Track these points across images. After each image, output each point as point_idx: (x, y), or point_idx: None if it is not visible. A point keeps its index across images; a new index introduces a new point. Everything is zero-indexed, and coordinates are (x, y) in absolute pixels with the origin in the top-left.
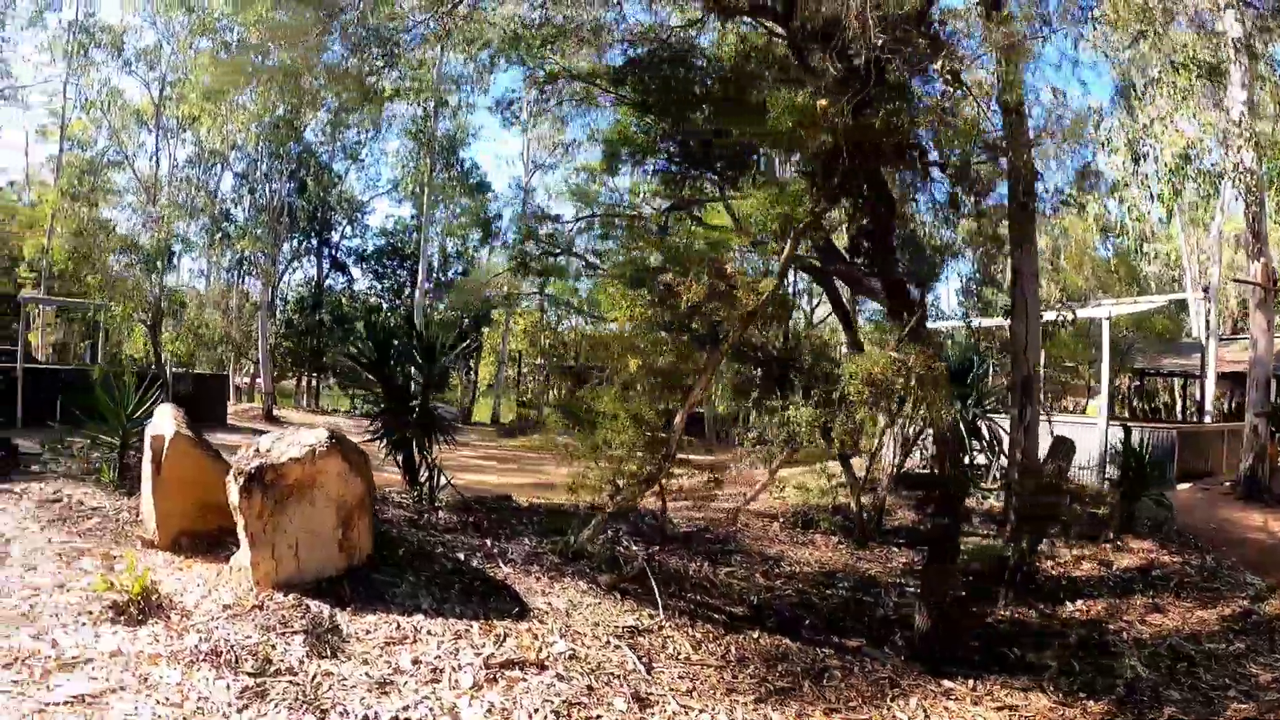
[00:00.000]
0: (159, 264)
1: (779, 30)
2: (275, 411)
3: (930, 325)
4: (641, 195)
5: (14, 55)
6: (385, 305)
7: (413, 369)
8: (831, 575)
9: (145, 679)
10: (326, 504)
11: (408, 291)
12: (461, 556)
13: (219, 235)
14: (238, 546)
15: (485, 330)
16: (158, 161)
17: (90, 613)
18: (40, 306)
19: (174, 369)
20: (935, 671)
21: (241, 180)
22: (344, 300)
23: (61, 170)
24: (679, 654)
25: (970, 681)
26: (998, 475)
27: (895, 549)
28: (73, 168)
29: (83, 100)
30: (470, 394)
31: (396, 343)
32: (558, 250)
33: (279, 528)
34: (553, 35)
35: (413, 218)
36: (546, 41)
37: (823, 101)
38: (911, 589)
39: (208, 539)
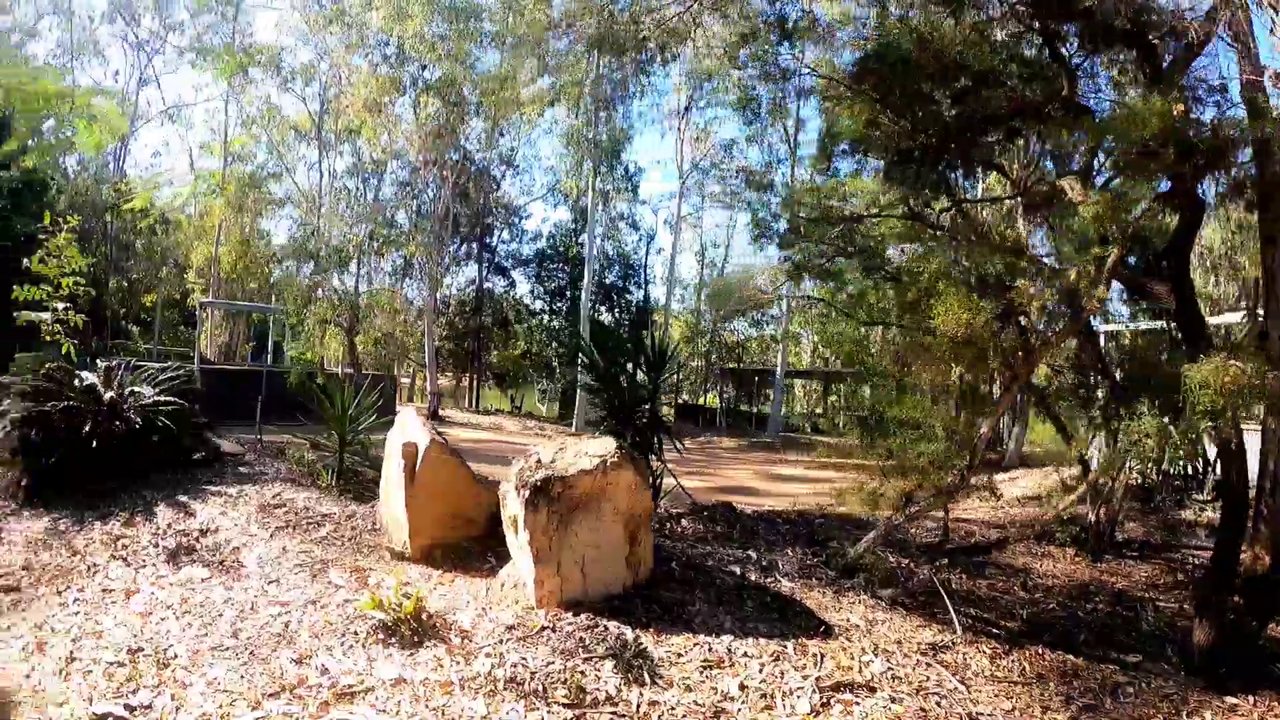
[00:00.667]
0: (356, 268)
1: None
2: (440, 411)
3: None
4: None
5: (177, 78)
6: (546, 308)
7: (639, 374)
8: (1084, 588)
9: (442, 712)
10: (614, 517)
11: (570, 294)
12: (737, 570)
13: (383, 241)
14: (496, 559)
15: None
16: (320, 172)
17: (355, 633)
18: (210, 310)
19: (372, 372)
20: (1218, 687)
21: (404, 188)
22: (504, 303)
23: (225, 183)
24: (982, 671)
25: (1251, 698)
26: (1211, 486)
27: (1130, 562)
28: (236, 181)
29: (243, 117)
30: None
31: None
32: (849, 251)
33: (565, 543)
34: (795, 31)
35: (573, 221)
36: (786, 37)
37: (1179, 107)
38: (1163, 602)
39: (458, 550)
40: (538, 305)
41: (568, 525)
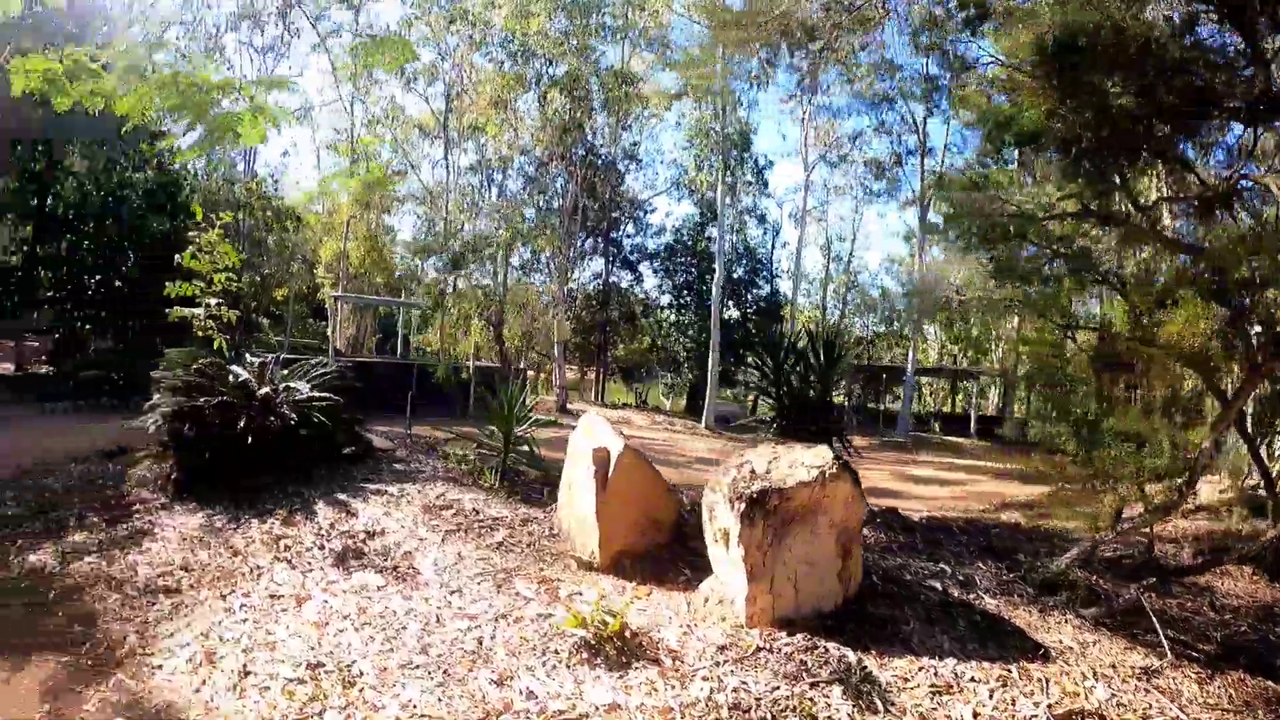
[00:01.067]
0: (506, 261)
1: None
2: (568, 405)
3: None
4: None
5: (303, 80)
6: (672, 302)
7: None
8: (1268, 610)
9: None
10: (829, 531)
11: (696, 288)
12: (937, 585)
13: (513, 236)
14: (690, 570)
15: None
16: (446, 168)
17: (556, 652)
18: (340, 304)
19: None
20: None
21: (531, 183)
22: (630, 297)
23: (354, 180)
24: (1194, 698)
25: None
26: None
27: None
28: (362, 179)
29: (368, 117)
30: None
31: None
32: (1059, 252)
33: (779, 558)
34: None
35: (700, 215)
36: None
37: None
38: None
39: (646, 559)
40: (664, 299)
41: (782, 539)
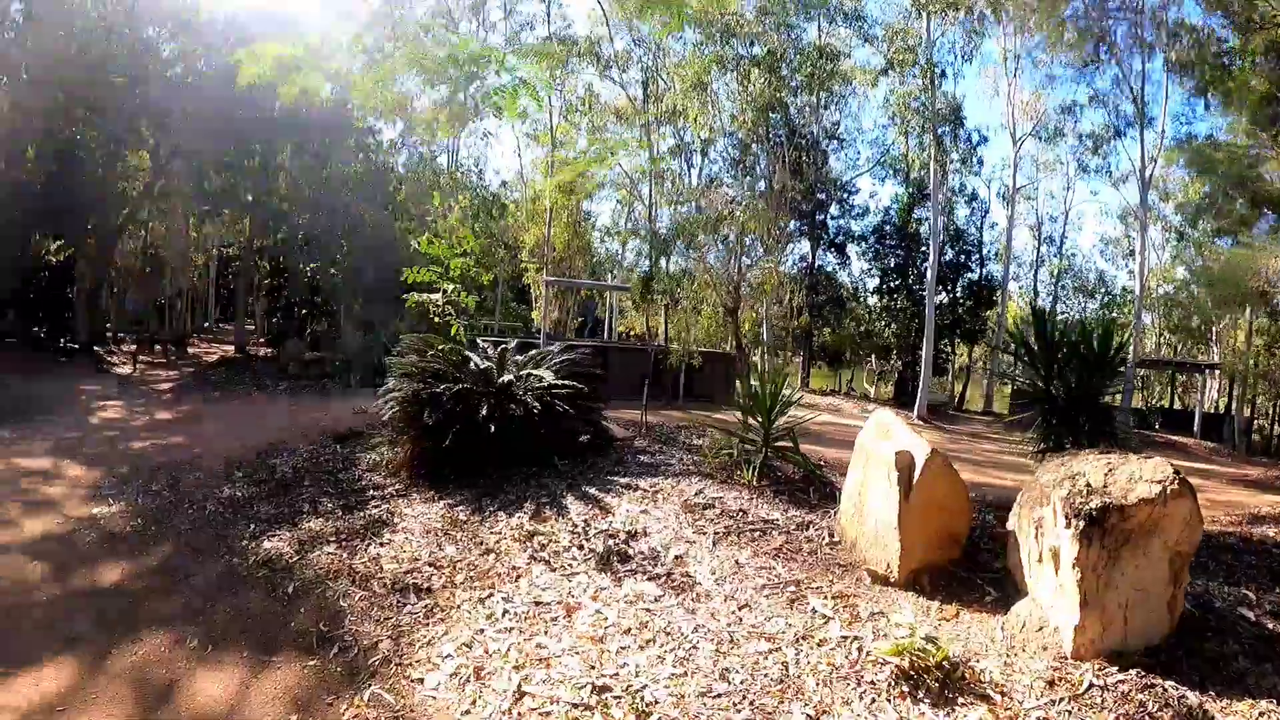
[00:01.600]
0: (740, 244)
1: None
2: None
3: None
4: None
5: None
6: (880, 286)
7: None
8: None
9: None
10: (1161, 554)
11: (906, 272)
12: (1249, 614)
13: (717, 219)
14: (993, 588)
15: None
16: (653, 153)
17: (872, 683)
18: (544, 287)
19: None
20: None
21: (734, 165)
22: (836, 281)
23: (554, 169)
24: None
25: None
26: None
27: None
28: (564, 167)
29: (564, 105)
30: (964, 379)
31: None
32: None
33: (1111, 583)
34: None
35: (908, 195)
36: None
37: None
38: None
39: (943, 575)
40: (870, 283)
41: (1115, 562)
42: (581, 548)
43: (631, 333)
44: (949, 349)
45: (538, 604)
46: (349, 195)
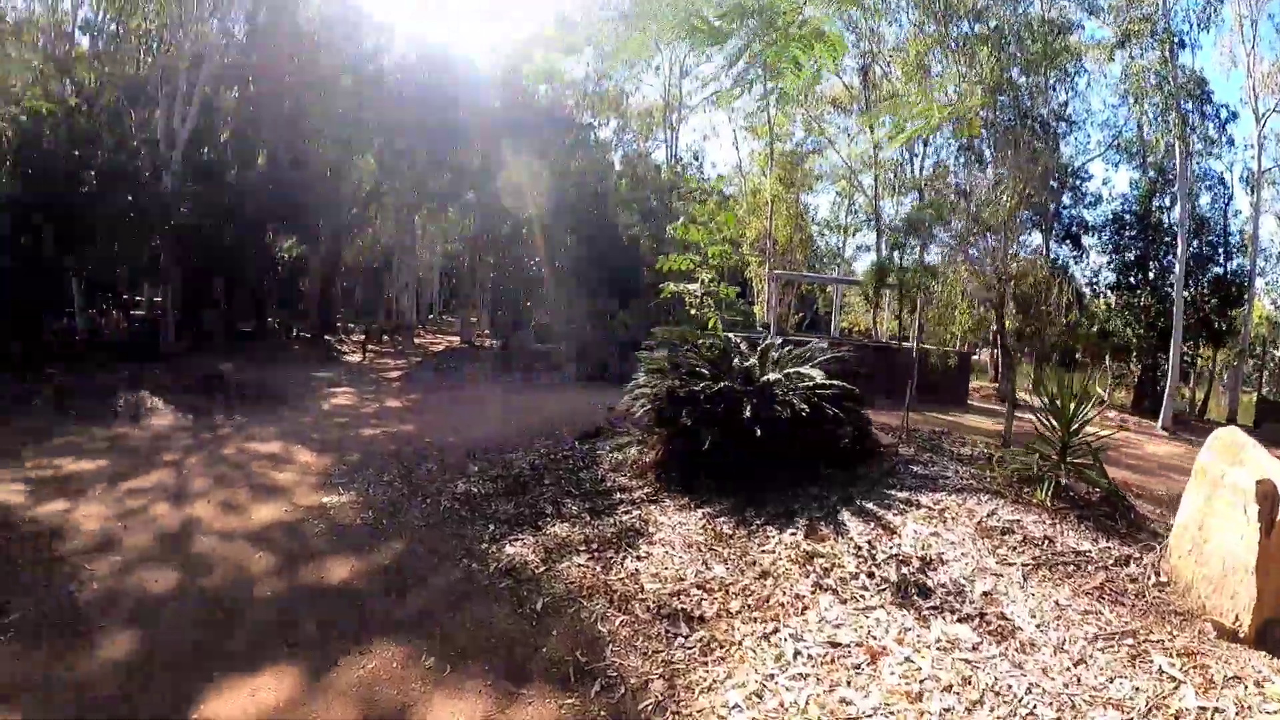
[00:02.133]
0: (1006, 235)
1: None
2: (1015, 393)
3: None
4: None
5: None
6: (1118, 281)
7: None
8: None
9: None
10: None
11: (1149, 265)
12: None
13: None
14: None
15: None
16: (870, 141)
17: None
18: (767, 282)
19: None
20: None
21: (963, 151)
22: (1072, 275)
23: (774, 161)
24: None
25: None
26: None
27: None
28: (783, 158)
29: (778, 95)
30: (1206, 386)
31: None
32: None
33: None
34: None
35: (1149, 181)
36: None
37: None
38: None
39: None
40: (1103, 278)
41: None
42: (872, 575)
43: (854, 329)
44: (1193, 352)
45: (833, 645)
46: (571, 190)
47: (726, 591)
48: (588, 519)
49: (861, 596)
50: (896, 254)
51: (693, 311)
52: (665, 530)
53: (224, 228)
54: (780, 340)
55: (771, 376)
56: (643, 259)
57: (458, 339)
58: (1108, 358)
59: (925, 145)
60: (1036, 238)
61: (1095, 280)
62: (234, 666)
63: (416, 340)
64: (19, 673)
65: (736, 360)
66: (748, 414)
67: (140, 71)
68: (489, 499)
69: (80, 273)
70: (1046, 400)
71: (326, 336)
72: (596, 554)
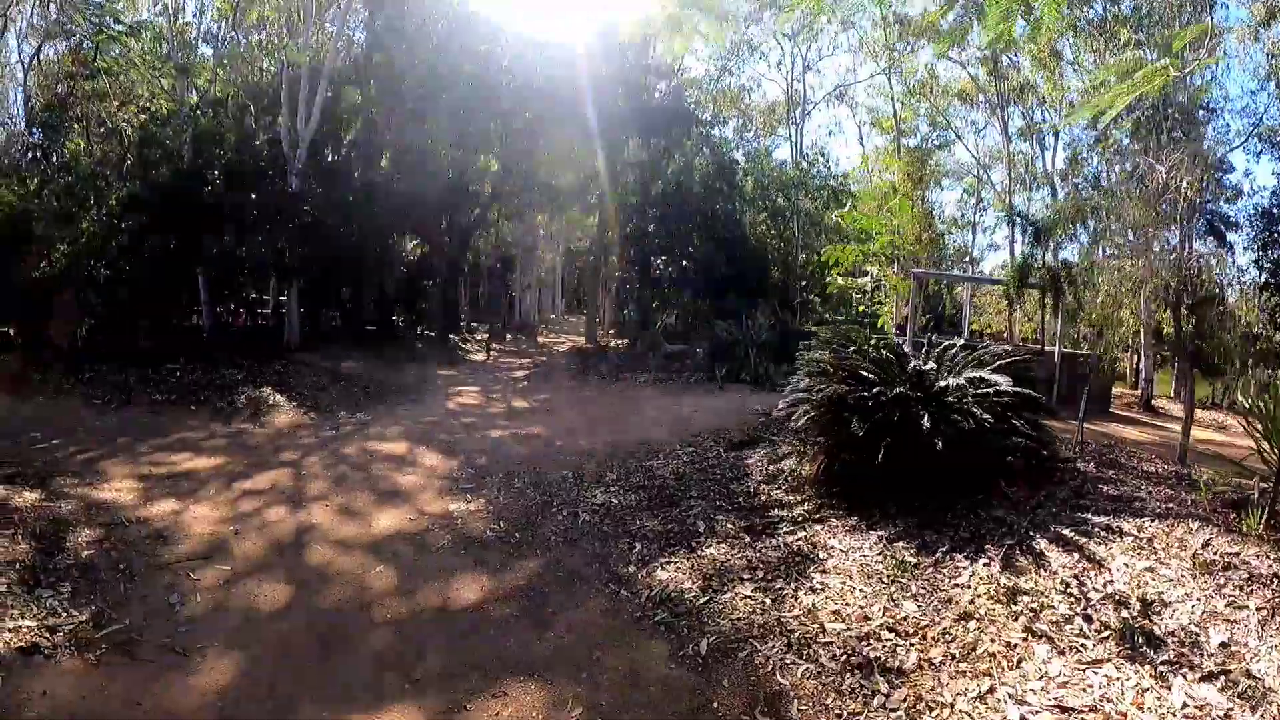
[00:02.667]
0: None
1: None
2: (1153, 400)
3: None
4: None
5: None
6: (1269, 281)
7: None
8: None
9: None
10: None
11: None
12: None
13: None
14: None
15: None
16: (1002, 133)
17: None
18: (915, 281)
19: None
20: None
21: (1096, 143)
22: (1216, 272)
23: (901, 156)
24: None
25: None
26: None
27: None
28: (909, 154)
29: (904, 89)
30: None
31: None
32: None
33: None
34: None
35: None
36: None
37: None
38: None
39: None
40: (1250, 276)
41: None
42: (1089, 619)
43: (984, 331)
44: None
45: (1062, 709)
46: (697, 188)
47: (924, 636)
48: (746, 540)
49: (1082, 646)
50: (1039, 251)
51: (860, 308)
52: (837, 556)
53: (347, 227)
54: (952, 342)
55: (950, 382)
56: (770, 258)
57: (583, 339)
58: (1260, 365)
59: (1056, 138)
60: (1173, 234)
61: (1240, 279)
62: (346, 705)
63: (540, 340)
64: (104, 697)
65: (911, 364)
66: (926, 424)
67: (262, 78)
68: (632, 512)
69: (207, 271)
70: (1261, 411)
71: (450, 336)
72: (763, 583)
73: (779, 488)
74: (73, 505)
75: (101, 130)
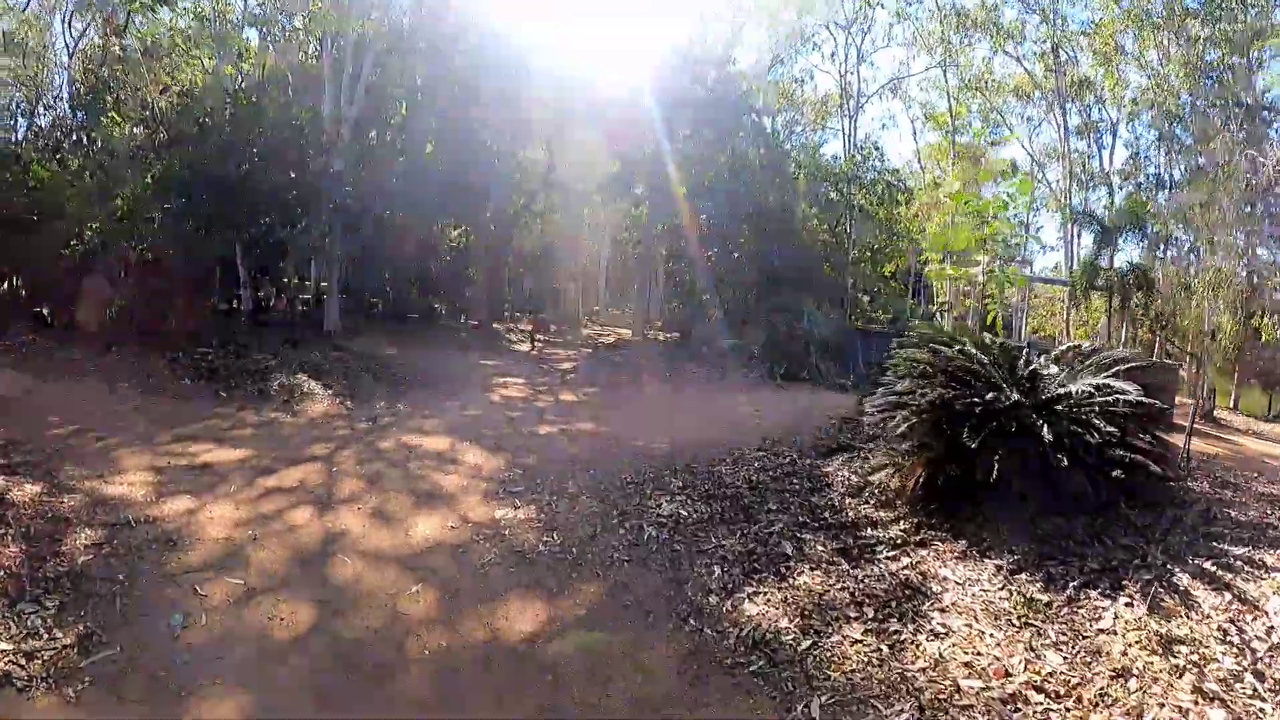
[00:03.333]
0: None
1: None
2: (1215, 412)
3: None
4: None
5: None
6: None
7: None
8: None
9: None
10: None
11: None
12: None
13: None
14: None
15: None
16: (1061, 130)
17: None
18: (949, 281)
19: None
20: None
21: (1161, 141)
22: None
23: (958, 153)
24: None
25: None
26: None
27: None
28: (963, 149)
29: (959, 84)
30: None
31: None
32: None
33: None
34: None
35: None
36: None
37: None
38: None
39: None
40: None
41: None
42: (1260, 676)
43: (1039, 334)
44: None
45: None
46: (750, 179)
47: (1079, 698)
48: (843, 566)
49: (1260, 713)
50: (1106, 253)
51: (876, 312)
52: (954, 590)
53: (390, 212)
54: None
55: (1074, 388)
56: (823, 253)
57: (628, 332)
58: None
59: (1114, 136)
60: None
61: None
62: None
63: (584, 332)
64: None
65: (1030, 366)
66: (1048, 436)
67: (306, 61)
68: (705, 526)
69: (246, 252)
70: None
71: (494, 325)
72: (875, 624)
73: (867, 502)
74: (77, 500)
75: (144, 113)
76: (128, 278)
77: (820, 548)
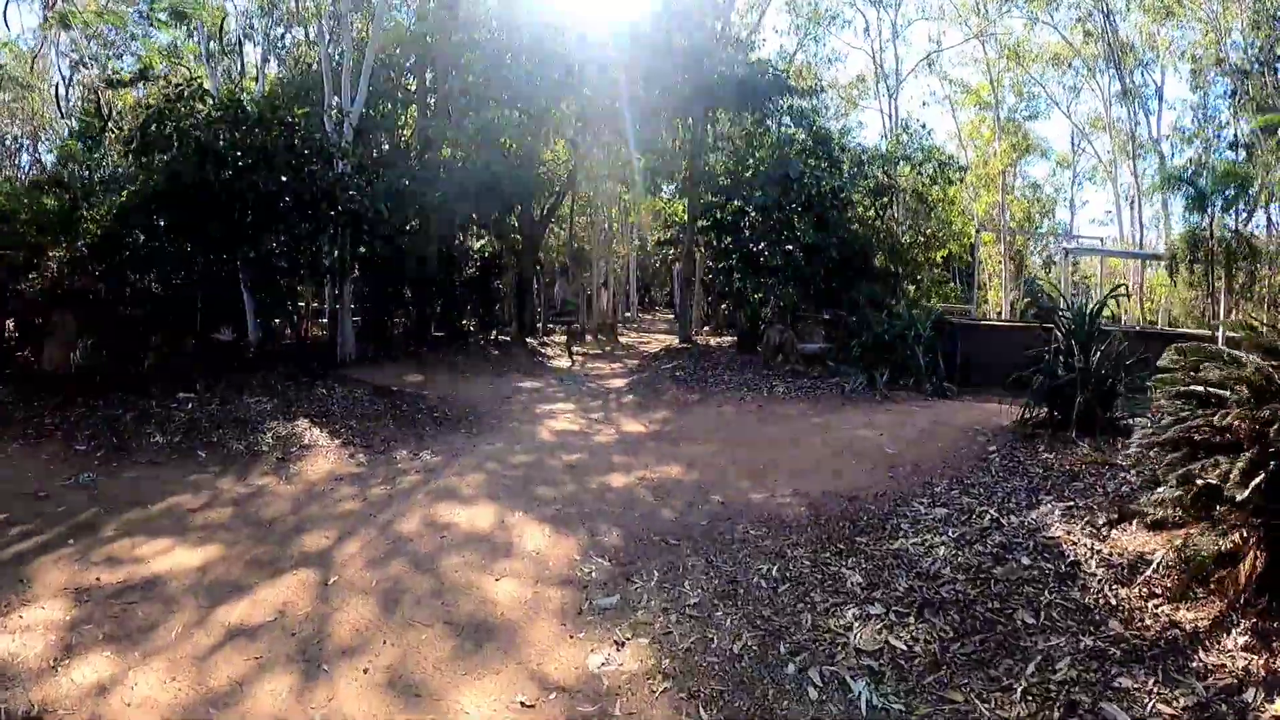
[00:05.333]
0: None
1: None
2: None
3: None
4: None
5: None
6: None
7: None
8: None
9: None
10: None
11: None
12: None
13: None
14: None
15: None
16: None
17: None
18: (1066, 257)
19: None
20: None
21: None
22: None
23: (1004, 132)
24: None
25: None
26: None
27: None
28: (1006, 124)
29: (996, 54)
30: None
31: None
32: None
33: None
34: None
35: None
36: None
37: None
38: None
39: None
40: None
41: None
42: None
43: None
44: None
45: None
46: (798, 163)
47: None
48: None
49: None
50: (1203, 220)
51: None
52: None
53: (405, 219)
54: None
55: None
56: (873, 241)
57: (670, 338)
58: None
59: (1161, 102)
60: None
61: None
62: None
63: (622, 340)
64: None
65: None
66: None
67: (308, 72)
68: (947, 672)
69: (246, 274)
70: None
71: (527, 339)
72: None
73: (1161, 598)
74: None
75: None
76: (97, 314)
77: (1161, 703)
